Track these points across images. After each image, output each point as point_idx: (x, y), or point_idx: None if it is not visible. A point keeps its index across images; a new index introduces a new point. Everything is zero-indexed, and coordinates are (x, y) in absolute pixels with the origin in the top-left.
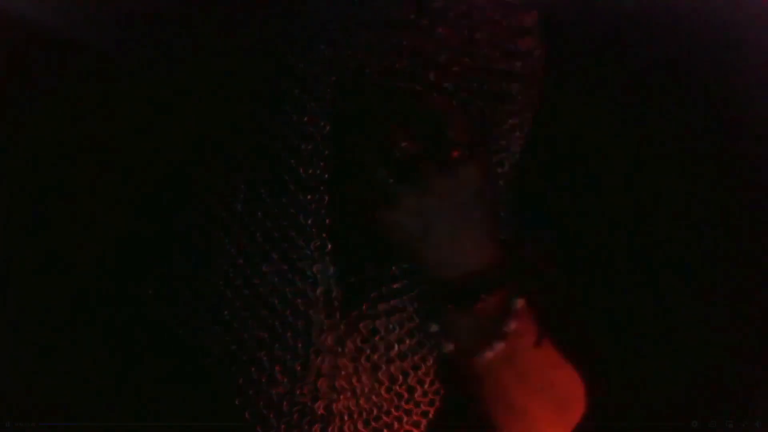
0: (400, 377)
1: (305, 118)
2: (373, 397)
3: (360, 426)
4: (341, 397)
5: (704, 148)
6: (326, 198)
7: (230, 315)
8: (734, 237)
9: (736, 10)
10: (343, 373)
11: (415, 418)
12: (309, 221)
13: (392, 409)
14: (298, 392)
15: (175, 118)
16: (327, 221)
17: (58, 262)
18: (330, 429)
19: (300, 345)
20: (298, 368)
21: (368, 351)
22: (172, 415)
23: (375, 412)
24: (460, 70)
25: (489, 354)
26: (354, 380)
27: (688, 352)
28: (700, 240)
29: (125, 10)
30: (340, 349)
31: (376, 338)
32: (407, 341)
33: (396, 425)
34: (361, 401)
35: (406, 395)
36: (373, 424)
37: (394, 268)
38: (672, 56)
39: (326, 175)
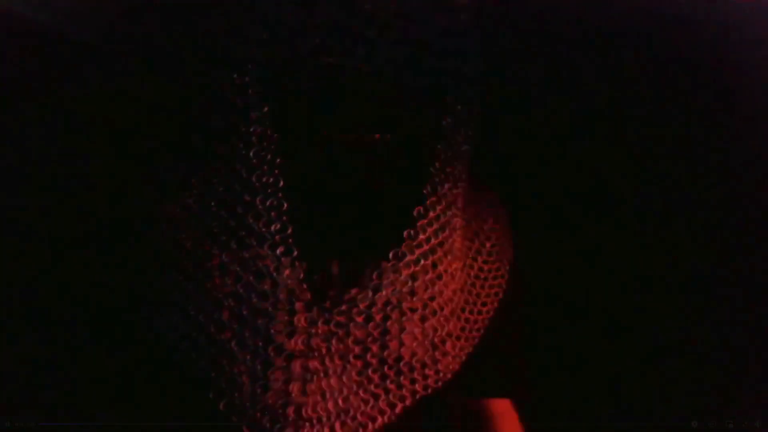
0: (371, 374)
1: (246, 102)
2: (340, 401)
3: (327, 430)
4: (311, 400)
5: (704, 147)
6: (281, 180)
7: (193, 311)
8: (734, 237)
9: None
10: (314, 377)
11: (387, 413)
12: (267, 203)
13: (363, 406)
14: (265, 395)
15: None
16: (285, 205)
17: (48, 261)
18: (305, 409)
19: (261, 345)
20: (259, 367)
21: (341, 351)
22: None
23: (346, 413)
24: (391, 44)
25: None
26: (323, 383)
27: (688, 353)
28: (701, 240)
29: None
30: (309, 352)
31: (349, 339)
32: (383, 339)
33: (370, 425)
34: (329, 405)
35: (375, 390)
36: (348, 423)
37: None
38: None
39: (278, 159)
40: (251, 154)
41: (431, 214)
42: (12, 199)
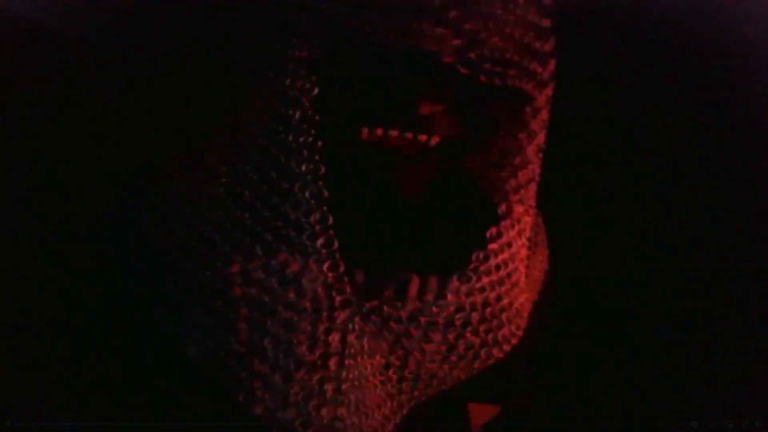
0: (392, 375)
1: (288, 81)
2: (367, 401)
3: (360, 407)
4: (344, 400)
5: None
6: (322, 168)
7: (221, 308)
8: (735, 236)
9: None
10: (348, 375)
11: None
12: (306, 193)
13: (382, 406)
14: (297, 395)
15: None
16: (326, 194)
17: (51, 259)
18: (339, 410)
19: (295, 342)
20: (293, 366)
21: (369, 349)
22: (171, 414)
23: (372, 413)
24: (461, 24)
25: None
26: (359, 359)
27: (688, 352)
28: (701, 240)
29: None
30: (345, 349)
31: (376, 341)
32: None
33: (386, 425)
34: (358, 406)
35: (391, 390)
36: (372, 423)
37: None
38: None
39: (319, 143)
40: (290, 137)
41: (504, 239)
42: (13, 198)
